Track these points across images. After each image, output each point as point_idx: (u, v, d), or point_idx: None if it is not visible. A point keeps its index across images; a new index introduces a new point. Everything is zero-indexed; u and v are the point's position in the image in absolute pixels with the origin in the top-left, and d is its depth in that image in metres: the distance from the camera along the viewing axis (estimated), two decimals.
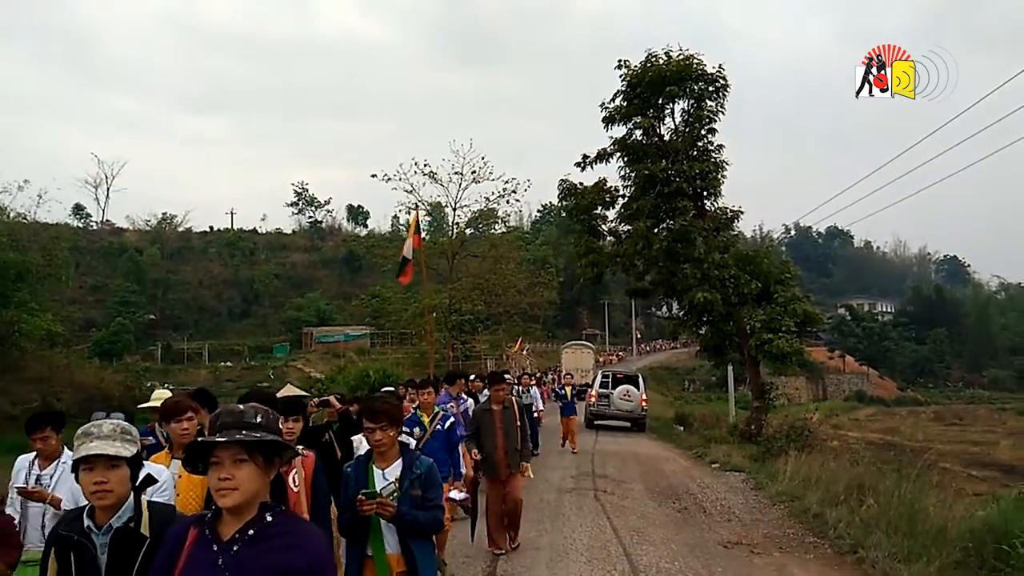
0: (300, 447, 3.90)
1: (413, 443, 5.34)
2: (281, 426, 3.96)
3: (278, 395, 6.55)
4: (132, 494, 2.67)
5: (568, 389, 19.30)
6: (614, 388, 25.44)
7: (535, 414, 15.54)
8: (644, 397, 25.51)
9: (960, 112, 16.08)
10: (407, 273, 18.90)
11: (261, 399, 4.89)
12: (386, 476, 3.91)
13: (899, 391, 77.04)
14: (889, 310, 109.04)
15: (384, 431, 3.94)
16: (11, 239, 29.16)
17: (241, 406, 2.44)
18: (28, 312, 28.92)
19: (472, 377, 12.46)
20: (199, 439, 2.30)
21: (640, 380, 26.10)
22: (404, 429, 6.93)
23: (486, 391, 11.79)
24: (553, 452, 17.46)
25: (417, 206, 17.70)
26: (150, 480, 2.82)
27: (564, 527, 9.80)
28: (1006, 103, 15.38)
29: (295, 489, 3.68)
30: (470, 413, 9.37)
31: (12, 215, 31.80)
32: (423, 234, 17.83)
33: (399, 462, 3.99)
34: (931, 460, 13.69)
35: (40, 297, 30.95)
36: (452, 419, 7.22)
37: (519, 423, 8.13)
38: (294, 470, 3.70)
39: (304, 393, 7.21)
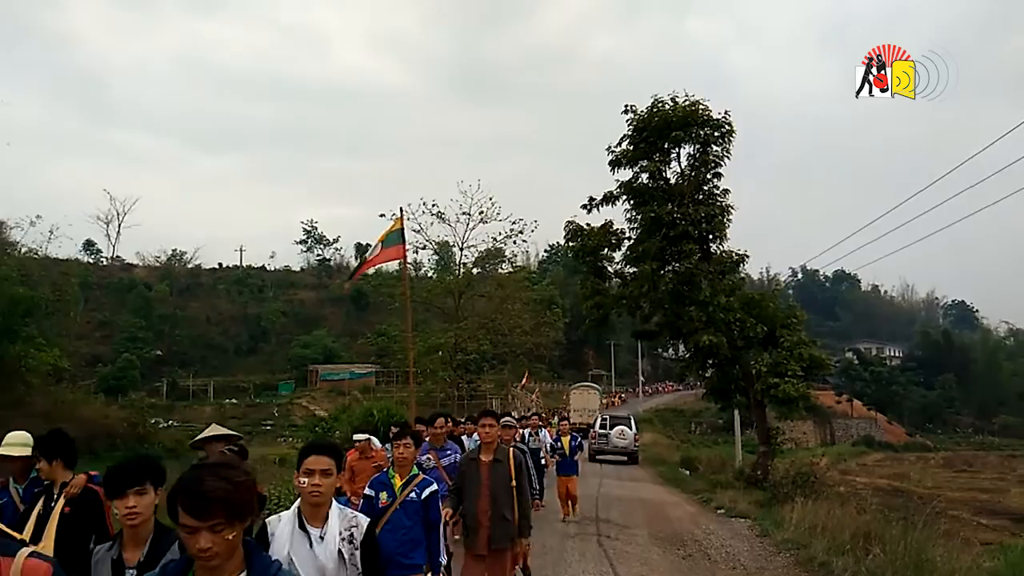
0: (43, 557, 2.28)
1: (364, 521, 3.50)
2: (118, 505, 2.88)
3: (202, 435, 5.48)
4: None
5: (565, 440, 14.45)
6: (611, 428, 31.84)
7: (542, 460, 14.13)
8: (637, 436, 32.39)
9: (969, 157, 16.22)
10: (358, 272, 18.16)
11: None
12: None
13: (908, 436, 76.17)
14: (897, 355, 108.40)
15: (218, 533, 2.04)
16: (21, 274, 29.47)
17: None
18: (35, 347, 29.14)
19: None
20: None
21: (632, 422, 32.92)
22: (368, 493, 5.16)
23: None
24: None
25: (402, 211, 17.29)
26: None
27: (565, 574, 9.71)
28: (1015, 148, 15.48)
29: None
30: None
31: (23, 250, 32.21)
32: (406, 254, 16.79)
33: None
34: (939, 508, 13.58)
35: (48, 332, 31.18)
36: (433, 487, 5.22)
37: (514, 482, 6.10)
38: None
39: (232, 434, 5.62)
